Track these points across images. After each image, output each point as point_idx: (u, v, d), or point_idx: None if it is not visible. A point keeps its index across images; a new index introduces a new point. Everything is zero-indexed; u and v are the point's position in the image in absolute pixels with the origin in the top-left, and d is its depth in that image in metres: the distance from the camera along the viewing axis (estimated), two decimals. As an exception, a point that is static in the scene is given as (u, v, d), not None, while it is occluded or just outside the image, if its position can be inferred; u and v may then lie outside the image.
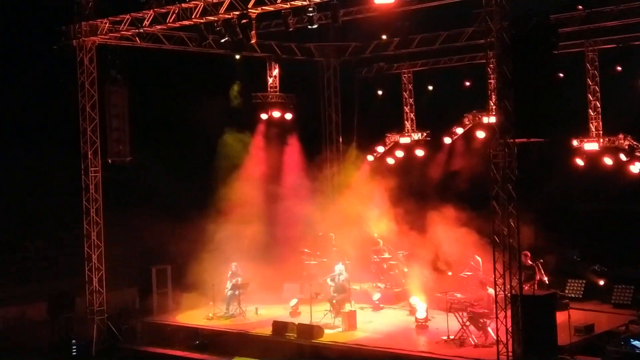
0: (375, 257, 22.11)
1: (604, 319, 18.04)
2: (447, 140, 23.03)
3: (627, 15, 18.35)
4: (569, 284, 20.17)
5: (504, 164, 15.17)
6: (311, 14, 16.61)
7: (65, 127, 20.41)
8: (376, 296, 20.82)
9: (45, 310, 20.41)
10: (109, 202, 20.46)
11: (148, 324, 20.37)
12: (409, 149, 23.59)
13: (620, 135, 20.26)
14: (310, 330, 17.82)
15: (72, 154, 20.13)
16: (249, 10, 16.86)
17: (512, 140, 15.15)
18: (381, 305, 20.69)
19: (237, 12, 16.93)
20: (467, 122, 22.79)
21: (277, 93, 24.04)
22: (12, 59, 24.12)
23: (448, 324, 16.93)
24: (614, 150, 20.19)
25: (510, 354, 14.94)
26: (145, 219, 22.24)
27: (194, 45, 20.74)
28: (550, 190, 21.35)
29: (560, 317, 15.90)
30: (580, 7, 18.92)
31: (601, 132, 20.81)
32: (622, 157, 20.10)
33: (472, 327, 16.68)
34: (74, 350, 19.09)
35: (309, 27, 16.84)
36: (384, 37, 22.14)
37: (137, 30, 18.86)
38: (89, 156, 19.81)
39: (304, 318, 19.20)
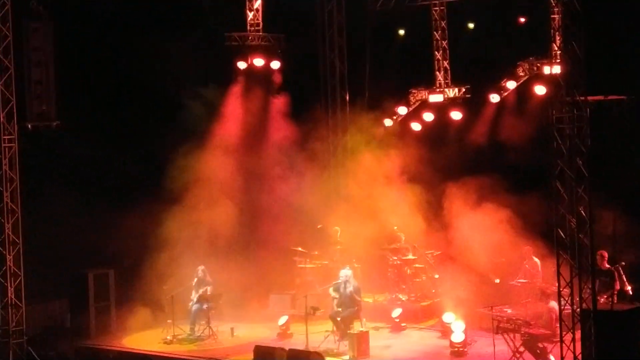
0: (395, 258, 22.27)
1: None
2: (494, 98, 23.07)
3: None
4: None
5: (571, 131, 15.23)
6: None
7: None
8: (396, 312, 21.01)
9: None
10: (29, 183, 20.50)
11: (83, 350, 20.50)
12: (441, 110, 23.60)
13: None
14: (306, 359, 17.98)
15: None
16: None
17: (583, 99, 15.20)
18: (403, 325, 20.89)
19: None
20: (520, 74, 22.79)
21: (260, 33, 24.06)
22: None
23: (495, 349, 17.08)
24: None
25: (579, 390, 15.11)
26: (79, 206, 22.32)
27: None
28: (636, 167, 21.44)
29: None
30: None
31: None
32: None
33: (527, 354, 16.82)
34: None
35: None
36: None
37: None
38: (1, 120, 19.83)
39: (297, 342, 19.35)
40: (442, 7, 23.63)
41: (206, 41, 23.53)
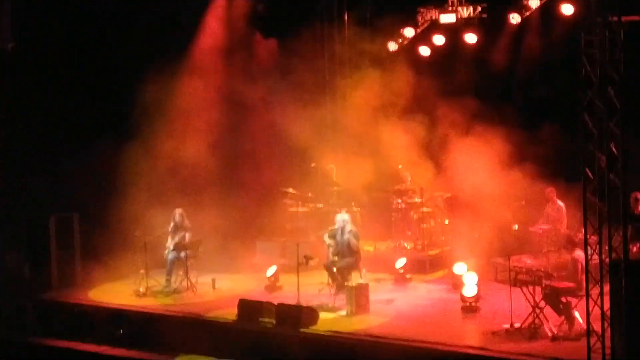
0: (400, 201, 22.38)
1: None
2: (514, 18, 22.99)
3: None
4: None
5: (602, 57, 15.22)
6: None
7: None
8: (400, 262, 21.14)
9: None
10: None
11: (44, 304, 20.65)
12: (453, 32, 23.55)
13: None
14: (297, 314, 18.12)
15: None
16: None
17: (616, 19, 15.17)
18: (408, 276, 21.05)
19: None
20: (545, -10, 22.74)
21: None
22: None
23: (512, 304, 17.26)
24: None
25: (607, 350, 15.27)
26: (36, 142, 22.30)
27: None
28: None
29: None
30: None
31: None
32: None
33: (549, 310, 17.00)
34: None
35: None
36: None
37: None
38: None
39: (287, 295, 19.51)
40: None
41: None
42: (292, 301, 18.66)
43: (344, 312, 18.64)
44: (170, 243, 20.91)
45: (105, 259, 21.63)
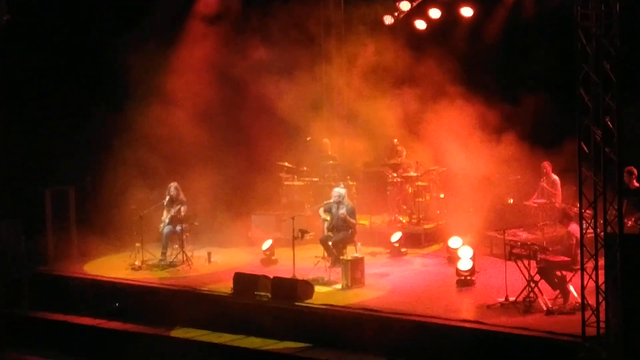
0: (395, 175, 22.37)
1: None
2: (510, -8, 22.95)
3: None
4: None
5: (598, 30, 15.17)
6: None
7: None
8: (396, 236, 21.16)
9: None
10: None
11: (40, 277, 20.68)
12: (449, 5, 23.50)
13: None
14: (293, 288, 18.15)
15: None
16: None
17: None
18: (403, 250, 21.09)
19: None
20: (541, -38, 22.66)
21: None
22: None
23: (507, 278, 17.29)
24: None
25: (602, 324, 15.31)
26: (29, 111, 22.24)
27: None
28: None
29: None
30: None
31: None
32: None
33: (543, 283, 17.03)
34: None
35: None
36: None
37: None
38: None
39: (282, 269, 19.50)
40: None
41: None
42: (287, 275, 18.66)
43: (339, 286, 18.64)
44: (165, 216, 20.89)
45: (101, 233, 21.65)
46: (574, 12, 15.36)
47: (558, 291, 16.81)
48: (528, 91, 21.10)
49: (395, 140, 22.45)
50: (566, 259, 16.80)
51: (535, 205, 20.38)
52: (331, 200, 19.73)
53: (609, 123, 15.18)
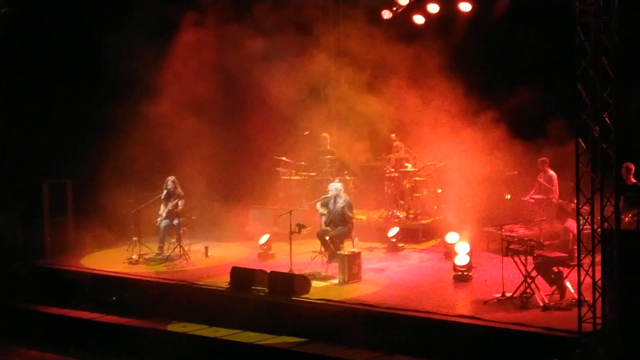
0: (393, 170, 22.36)
1: None
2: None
3: None
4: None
5: (597, 26, 15.15)
6: None
7: None
8: (393, 231, 21.18)
9: None
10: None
11: (37, 270, 20.69)
12: (448, 0, 23.45)
13: None
14: (290, 282, 18.15)
15: None
16: None
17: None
18: (400, 245, 21.09)
19: None
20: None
21: None
22: None
23: (503, 274, 17.28)
24: None
25: (598, 320, 15.31)
26: (27, 103, 22.21)
27: None
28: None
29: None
30: None
31: None
32: None
33: (540, 279, 17.03)
34: None
35: None
36: None
37: None
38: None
39: (279, 263, 19.54)
40: None
41: None
42: (284, 269, 18.67)
43: (336, 281, 18.65)
44: (163, 210, 20.91)
45: (98, 226, 21.61)
46: (573, 8, 15.35)
47: (555, 287, 16.80)
48: (526, 87, 21.06)
49: (393, 135, 22.42)
50: (563, 254, 16.80)
51: (533, 201, 20.34)
52: (328, 195, 19.74)
53: (607, 119, 15.18)
